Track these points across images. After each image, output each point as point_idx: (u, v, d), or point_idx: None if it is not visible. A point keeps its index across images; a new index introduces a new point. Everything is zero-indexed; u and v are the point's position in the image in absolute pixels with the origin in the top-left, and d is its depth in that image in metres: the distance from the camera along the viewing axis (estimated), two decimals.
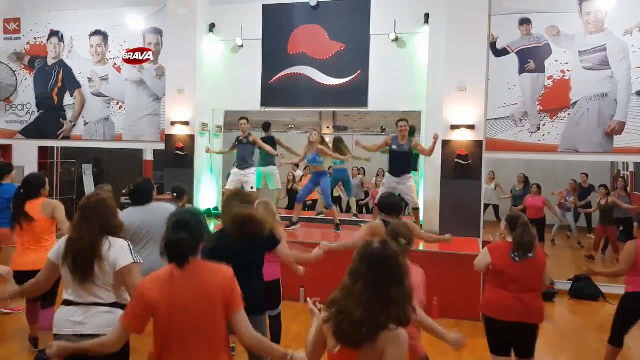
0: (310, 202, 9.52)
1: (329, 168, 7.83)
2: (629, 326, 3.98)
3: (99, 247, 2.55)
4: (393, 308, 1.80)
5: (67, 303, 2.58)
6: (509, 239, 3.46)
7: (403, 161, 6.54)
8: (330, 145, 7.57)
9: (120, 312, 2.52)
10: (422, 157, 7.24)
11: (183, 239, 2.10)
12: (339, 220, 7.06)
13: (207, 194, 8.00)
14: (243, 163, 7.34)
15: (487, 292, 3.53)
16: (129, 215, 3.73)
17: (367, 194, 10.35)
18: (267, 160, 7.77)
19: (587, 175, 9.97)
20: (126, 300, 2.63)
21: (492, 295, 3.44)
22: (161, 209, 3.78)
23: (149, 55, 8.06)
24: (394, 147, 6.52)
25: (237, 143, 7.40)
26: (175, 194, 5.16)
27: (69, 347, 2.25)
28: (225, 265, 2.21)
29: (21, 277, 3.94)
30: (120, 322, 2.18)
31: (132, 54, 8.19)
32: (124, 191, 4.62)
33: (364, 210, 10.14)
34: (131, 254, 2.61)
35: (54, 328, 2.60)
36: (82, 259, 2.53)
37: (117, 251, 2.58)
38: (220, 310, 2.11)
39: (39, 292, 2.92)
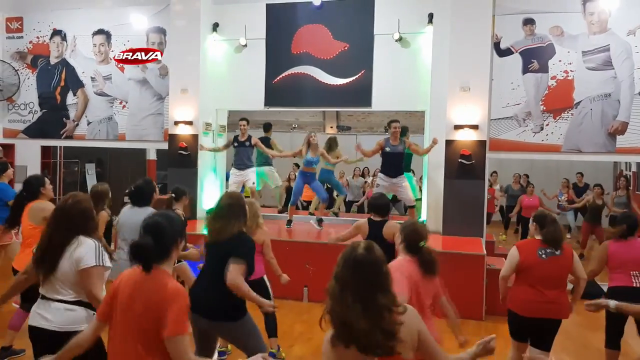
0: (305, 203, 9.51)
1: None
2: (619, 325, 3.92)
3: (66, 247, 2.61)
4: (387, 315, 1.76)
5: (41, 296, 2.67)
6: (538, 237, 3.59)
7: (398, 162, 6.61)
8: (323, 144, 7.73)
9: (82, 310, 2.62)
10: (425, 158, 7.26)
11: (146, 245, 2.14)
12: (321, 217, 7.38)
13: (210, 194, 8.00)
14: (242, 164, 7.36)
15: (513, 289, 3.63)
16: (121, 215, 3.90)
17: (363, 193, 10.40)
18: (264, 160, 7.95)
19: (582, 175, 10.05)
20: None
21: (518, 291, 3.56)
22: (147, 214, 3.80)
23: (155, 55, 7.99)
24: (387, 149, 6.56)
25: (236, 144, 7.36)
26: (174, 195, 5.08)
27: None
28: (180, 285, 2.23)
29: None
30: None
31: (130, 54, 8.10)
32: (127, 191, 4.63)
33: (363, 210, 10.19)
34: (96, 256, 2.61)
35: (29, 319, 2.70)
36: (48, 257, 2.61)
37: (83, 251, 2.61)
38: (161, 324, 2.07)
39: (29, 282, 2.96)
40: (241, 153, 7.35)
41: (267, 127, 8.14)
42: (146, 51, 8.08)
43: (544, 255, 3.48)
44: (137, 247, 2.14)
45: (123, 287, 2.19)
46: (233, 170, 7.44)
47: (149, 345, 2.08)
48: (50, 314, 2.60)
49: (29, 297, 4.06)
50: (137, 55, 8.03)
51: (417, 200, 7.06)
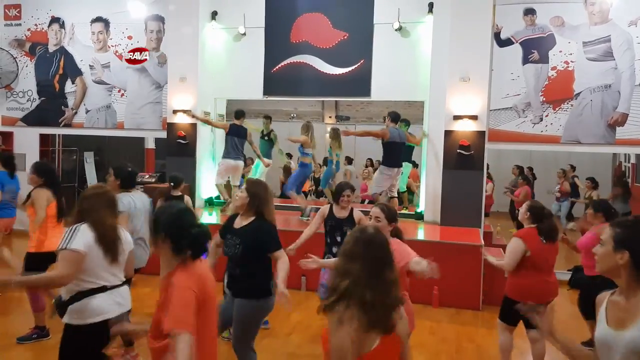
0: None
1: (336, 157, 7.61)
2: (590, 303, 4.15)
3: None
4: (394, 290, 1.85)
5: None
6: (531, 226, 3.76)
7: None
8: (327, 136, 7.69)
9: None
10: (424, 148, 7.27)
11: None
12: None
13: (208, 183, 8.01)
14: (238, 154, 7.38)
15: (518, 279, 3.73)
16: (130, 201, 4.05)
17: None
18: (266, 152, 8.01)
19: (572, 168, 10.12)
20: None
21: (524, 281, 3.68)
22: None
23: (146, 56, 8.42)
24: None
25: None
26: (172, 183, 5.51)
27: None
28: None
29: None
30: (187, 331, 1.88)
31: (138, 53, 8.43)
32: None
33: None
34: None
35: None
36: None
37: None
38: None
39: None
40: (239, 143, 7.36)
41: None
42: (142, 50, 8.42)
43: (544, 241, 3.67)
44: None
45: (199, 290, 2.02)
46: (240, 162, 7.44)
47: None
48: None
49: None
50: (135, 56, 8.42)
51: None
